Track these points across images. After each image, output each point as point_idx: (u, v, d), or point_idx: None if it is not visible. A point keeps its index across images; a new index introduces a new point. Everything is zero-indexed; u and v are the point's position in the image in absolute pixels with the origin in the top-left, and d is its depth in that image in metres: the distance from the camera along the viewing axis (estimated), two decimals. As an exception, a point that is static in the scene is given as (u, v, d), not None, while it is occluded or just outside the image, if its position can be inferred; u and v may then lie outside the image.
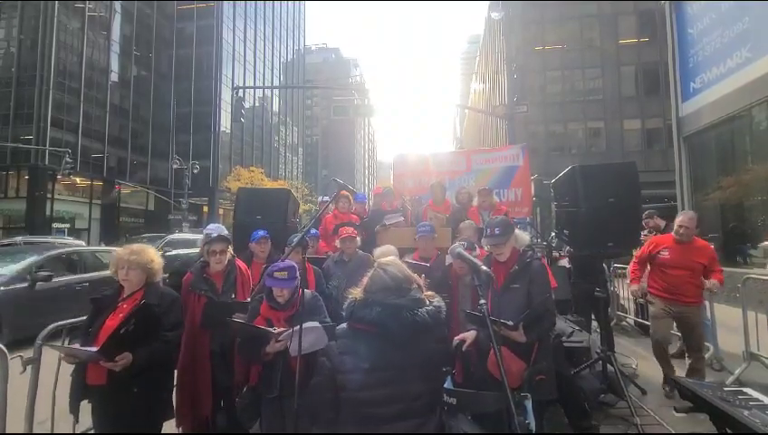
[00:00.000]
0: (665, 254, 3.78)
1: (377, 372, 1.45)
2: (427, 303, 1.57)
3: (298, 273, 2.33)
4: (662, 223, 5.42)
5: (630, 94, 23.54)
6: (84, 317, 2.41)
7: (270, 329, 2.21)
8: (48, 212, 28.12)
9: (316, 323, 2.14)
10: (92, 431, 2.60)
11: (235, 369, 2.73)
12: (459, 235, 3.76)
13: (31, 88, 28.42)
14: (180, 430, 2.86)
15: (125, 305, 2.27)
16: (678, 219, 3.79)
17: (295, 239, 3.00)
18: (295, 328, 2.06)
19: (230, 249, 2.98)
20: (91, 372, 2.14)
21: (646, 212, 5.54)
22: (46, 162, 27.58)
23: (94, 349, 2.03)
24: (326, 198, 6.83)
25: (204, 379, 2.78)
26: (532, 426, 1.76)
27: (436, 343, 1.56)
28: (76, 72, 30.84)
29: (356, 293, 1.62)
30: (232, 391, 2.76)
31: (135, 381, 2.12)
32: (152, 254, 2.41)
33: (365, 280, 1.64)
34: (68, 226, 28.59)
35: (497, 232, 2.53)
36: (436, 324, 1.53)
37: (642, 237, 5.41)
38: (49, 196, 28.36)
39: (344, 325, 1.62)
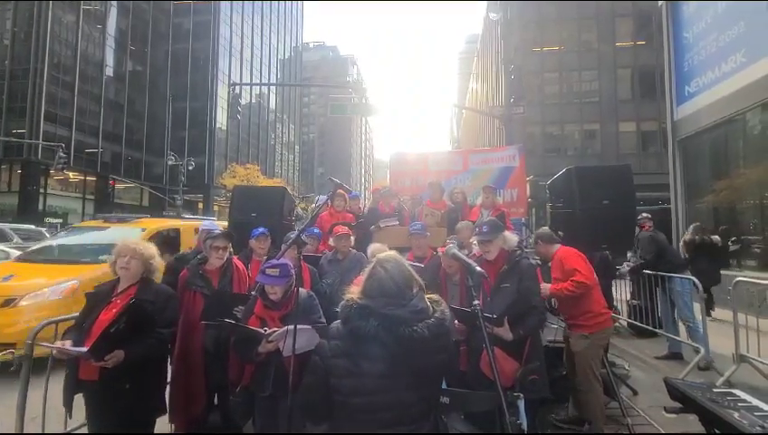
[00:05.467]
0: None
1: (369, 378, 1.40)
2: (431, 311, 1.47)
3: (292, 271, 2.33)
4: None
5: (626, 97, 23.68)
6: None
7: (260, 330, 2.20)
8: (41, 207, 27.86)
9: (307, 326, 2.14)
10: (84, 428, 2.59)
11: (229, 367, 2.72)
12: (457, 234, 3.78)
13: (24, 81, 28.10)
14: (173, 428, 2.84)
15: (118, 301, 2.27)
16: None
17: (292, 237, 3.00)
18: (288, 328, 2.06)
19: (230, 247, 2.98)
20: (84, 367, 2.13)
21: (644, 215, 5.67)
22: (39, 156, 27.29)
23: (85, 349, 2.02)
24: (322, 197, 6.81)
25: (197, 377, 2.75)
26: (524, 425, 1.78)
27: (435, 353, 1.45)
28: (70, 65, 30.52)
29: (354, 292, 1.52)
30: (226, 390, 2.74)
31: (127, 377, 2.12)
32: (155, 252, 2.43)
33: (363, 277, 1.55)
34: (60, 220, 28.31)
35: (485, 229, 2.63)
36: (434, 339, 1.41)
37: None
38: (42, 190, 28.10)
39: (338, 324, 1.53)
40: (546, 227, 3.34)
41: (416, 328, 1.38)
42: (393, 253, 1.66)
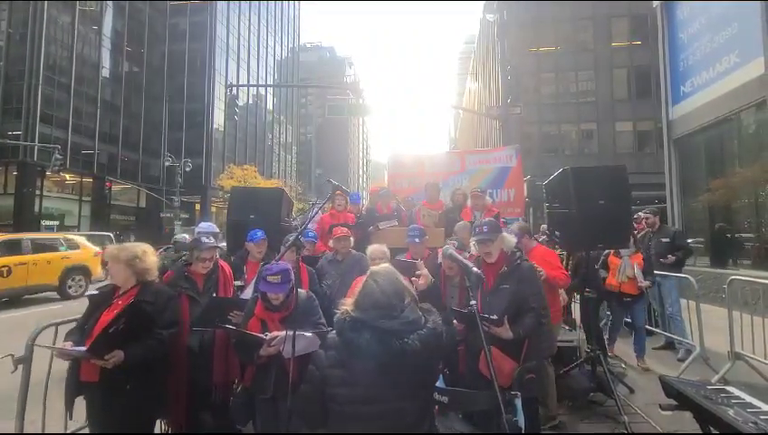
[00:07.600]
0: None
1: (364, 388, 1.43)
2: (422, 321, 1.50)
3: (292, 275, 2.34)
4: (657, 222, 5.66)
5: (622, 97, 23.78)
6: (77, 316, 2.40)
7: (261, 335, 2.21)
8: (36, 209, 27.69)
9: (308, 332, 2.15)
10: (85, 429, 2.59)
11: (214, 368, 2.68)
12: (454, 235, 3.79)
13: (20, 82, 27.91)
14: (163, 428, 2.83)
15: (120, 302, 2.27)
16: None
17: (291, 239, 3.00)
18: (288, 333, 2.07)
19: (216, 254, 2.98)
20: (84, 369, 2.14)
21: (649, 209, 5.80)
22: (35, 158, 27.14)
23: (84, 348, 2.04)
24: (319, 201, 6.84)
25: (180, 378, 2.65)
26: (521, 424, 1.80)
27: (428, 362, 1.47)
28: (66, 66, 30.36)
29: (348, 304, 1.56)
30: (211, 391, 2.71)
31: (127, 378, 2.12)
32: (139, 251, 2.37)
33: (357, 288, 1.58)
34: (57, 223, 28.17)
35: (485, 230, 2.61)
36: (426, 349, 1.43)
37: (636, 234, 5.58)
38: (38, 192, 27.93)
39: (334, 335, 1.57)
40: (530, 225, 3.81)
41: (407, 340, 1.41)
42: (386, 265, 1.69)
